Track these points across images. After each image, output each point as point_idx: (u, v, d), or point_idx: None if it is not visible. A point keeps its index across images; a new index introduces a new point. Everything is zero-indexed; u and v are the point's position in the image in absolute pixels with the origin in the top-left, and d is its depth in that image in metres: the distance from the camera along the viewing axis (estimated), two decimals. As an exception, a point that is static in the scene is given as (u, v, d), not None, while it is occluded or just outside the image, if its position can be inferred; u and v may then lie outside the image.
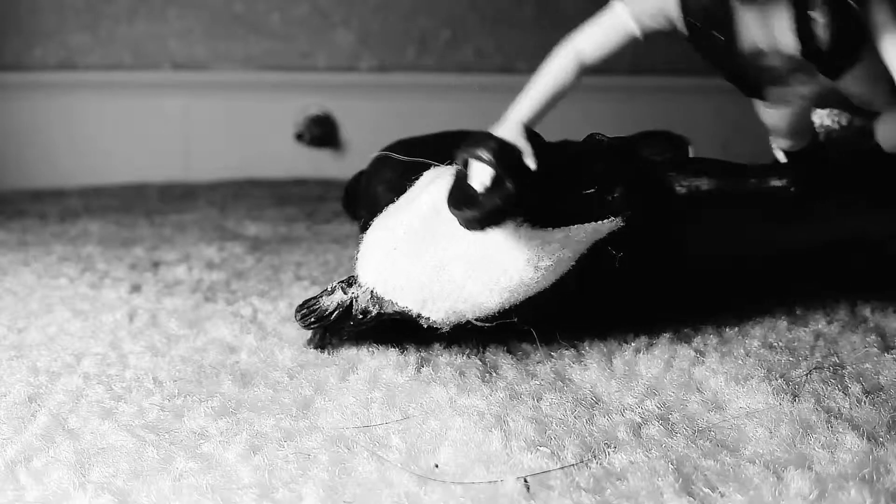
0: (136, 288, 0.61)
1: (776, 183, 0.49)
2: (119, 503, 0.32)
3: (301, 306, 0.47)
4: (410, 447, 0.35)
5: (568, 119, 1.29)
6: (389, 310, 0.45)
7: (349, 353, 0.47)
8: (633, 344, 0.48)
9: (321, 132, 1.28)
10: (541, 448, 0.35)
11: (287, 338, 0.50)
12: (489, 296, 0.43)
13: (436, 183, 0.45)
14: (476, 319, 0.44)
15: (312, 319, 0.46)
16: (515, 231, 0.42)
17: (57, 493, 0.32)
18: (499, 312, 0.44)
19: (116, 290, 0.60)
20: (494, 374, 0.44)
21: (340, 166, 1.29)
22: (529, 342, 0.48)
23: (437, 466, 0.34)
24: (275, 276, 0.65)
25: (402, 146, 0.60)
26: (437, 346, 0.48)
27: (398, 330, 0.47)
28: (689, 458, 0.34)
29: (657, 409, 0.39)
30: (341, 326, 0.46)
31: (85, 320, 0.54)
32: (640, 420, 0.38)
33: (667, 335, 0.49)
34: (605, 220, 0.44)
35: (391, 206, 0.48)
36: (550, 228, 0.43)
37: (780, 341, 0.48)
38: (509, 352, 0.47)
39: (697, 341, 0.48)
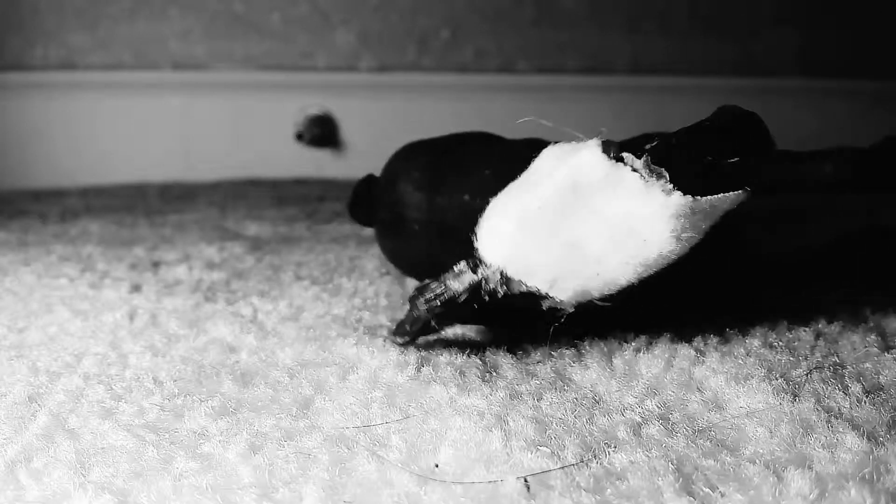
0: (136, 288, 0.61)
1: (828, 169, 0.48)
2: (119, 503, 0.32)
3: (420, 292, 0.45)
4: (410, 447, 0.35)
5: (568, 119, 1.29)
6: (517, 290, 0.44)
7: (349, 352, 0.47)
8: (633, 343, 0.48)
9: (321, 132, 1.28)
10: (541, 448, 0.35)
11: (287, 338, 0.50)
12: (624, 270, 0.42)
13: (576, 157, 0.44)
14: (600, 299, 0.44)
15: (438, 304, 0.45)
16: (665, 200, 0.41)
17: (57, 493, 0.32)
18: (624, 290, 0.43)
19: (116, 290, 0.60)
20: (494, 374, 0.44)
21: (340, 166, 1.29)
22: (529, 342, 0.48)
23: (437, 466, 0.34)
24: (275, 276, 0.65)
25: (420, 147, 0.61)
26: (436, 345, 0.48)
27: (500, 318, 0.46)
28: (689, 458, 0.34)
29: (657, 409, 0.39)
30: (463, 310, 0.45)
31: (85, 320, 0.54)
32: (640, 420, 0.38)
33: (667, 335, 0.49)
34: (740, 192, 0.43)
35: (513, 184, 0.46)
36: (699, 197, 0.42)
37: (781, 341, 0.48)
38: (509, 351, 0.47)
39: (697, 341, 0.48)
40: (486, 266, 0.44)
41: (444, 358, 0.46)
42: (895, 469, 0.33)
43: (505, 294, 0.44)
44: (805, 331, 0.50)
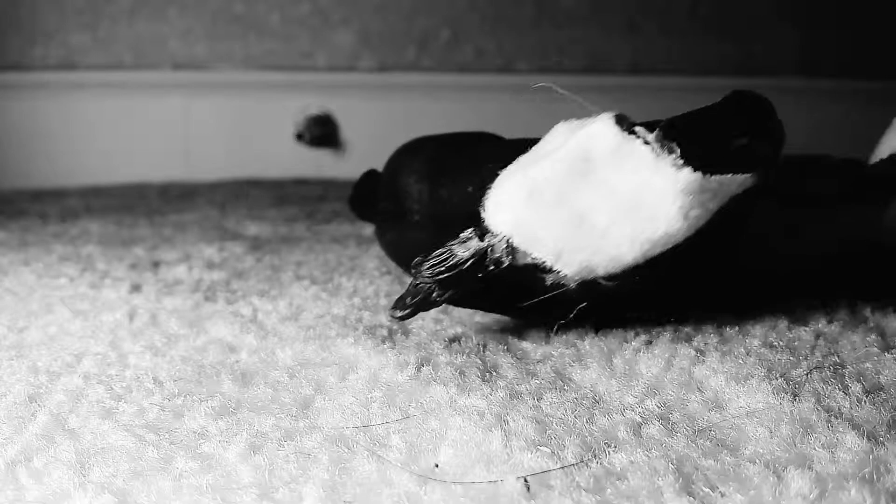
0: (136, 288, 0.61)
1: (833, 185, 0.48)
2: (119, 503, 0.32)
3: (424, 258, 0.44)
4: (410, 447, 0.35)
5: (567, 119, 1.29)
6: (521, 262, 0.43)
7: (349, 352, 0.47)
8: (633, 343, 0.48)
9: (321, 132, 1.28)
10: (541, 448, 0.35)
11: (287, 337, 0.50)
12: (629, 247, 0.42)
13: (586, 129, 0.43)
14: (605, 277, 0.43)
15: (443, 269, 0.44)
16: (675, 174, 0.41)
17: (57, 492, 0.32)
18: (630, 269, 0.43)
19: (116, 290, 0.60)
20: (494, 374, 0.44)
21: (340, 166, 1.29)
22: (530, 341, 0.48)
23: (437, 466, 0.34)
24: (275, 276, 0.65)
25: (425, 141, 0.61)
26: (436, 345, 0.48)
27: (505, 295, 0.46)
28: (689, 458, 0.34)
29: (657, 409, 0.39)
30: (467, 279, 0.44)
31: (85, 320, 0.54)
32: (640, 419, 0.38)
33: (667, 335, 0.49)
34: (748, 175, 0.42)
35: (525, 156, 0.46)
36: (709, 175, 0.41)
37: (781, 341, 0.48)
38: (509, 351, 0.47)
39: (698, 340, 0.48)
40: (492, 235, 0.44)
41: (444, 358, 0.46)
42: (895, 469, 0.33)
43: (510, 265, 0.43)
44: (805, 331, 0.50)
